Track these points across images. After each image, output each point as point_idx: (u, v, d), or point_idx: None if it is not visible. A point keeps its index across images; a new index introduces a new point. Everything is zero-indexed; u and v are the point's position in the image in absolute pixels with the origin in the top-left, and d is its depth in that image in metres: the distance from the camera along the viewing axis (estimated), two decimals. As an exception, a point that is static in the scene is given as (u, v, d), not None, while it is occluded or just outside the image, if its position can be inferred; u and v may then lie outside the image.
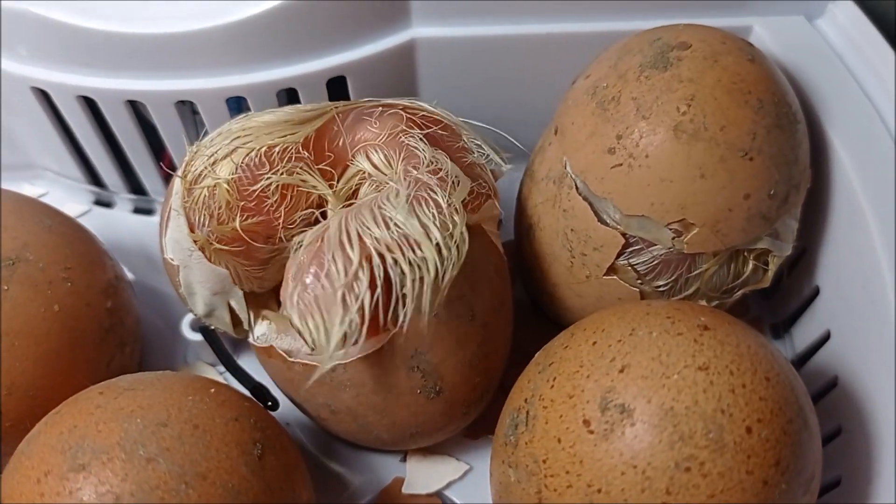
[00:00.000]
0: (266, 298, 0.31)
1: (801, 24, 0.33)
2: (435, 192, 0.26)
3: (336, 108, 0.29)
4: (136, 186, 0.41)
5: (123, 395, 0.25)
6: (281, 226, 0.28)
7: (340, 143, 0.29)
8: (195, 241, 0.28)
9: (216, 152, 0.28)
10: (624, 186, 0.27)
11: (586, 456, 0.22)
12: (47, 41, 0.34)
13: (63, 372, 0.29)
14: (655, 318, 0.24)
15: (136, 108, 0.36)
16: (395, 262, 0.25)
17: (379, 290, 0.25)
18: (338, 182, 0.29)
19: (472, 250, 0.27)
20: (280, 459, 0.26)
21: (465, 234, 0.26)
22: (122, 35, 0.33)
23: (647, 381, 0.22)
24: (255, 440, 0.26)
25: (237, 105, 0.35)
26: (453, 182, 0.27)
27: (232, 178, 0.27)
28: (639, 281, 0.29)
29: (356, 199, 0.29)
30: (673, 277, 0.29)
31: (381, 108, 0.29)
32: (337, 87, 0.35)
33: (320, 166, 0.28)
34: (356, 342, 0.25)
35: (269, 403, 0.32)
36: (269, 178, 0.28)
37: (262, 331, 0.30)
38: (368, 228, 0.25)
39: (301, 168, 0.28)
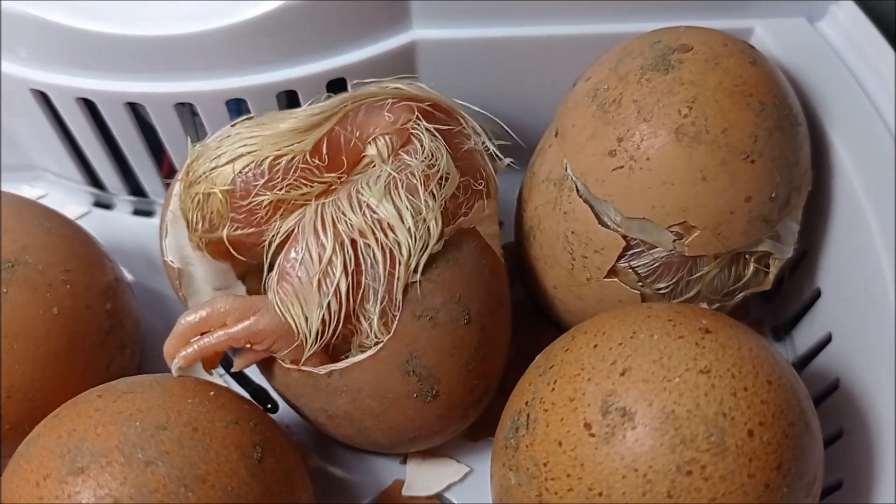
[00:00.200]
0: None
1: (802, 26, 0.33)
2: (414, 177, 0.27)
3: (345, 105, 0.28)
4: (135, 188, 0.41)
5: (122, 398, 0.25)
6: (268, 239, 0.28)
7: (353, 144, 0.28)
8: (191, 242, 0.28)
9: (219, 157, 0.28)
10: (625, 189, 0.27)
11: (587, 459, 0.22)
12: (47, 43, 0.34)
13: (62, 374, 0.29)
14: (657, 320, 0.24)
15: (135, 110, 0.36)
16: (368, 246, 0.26)
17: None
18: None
19: (466, 253, 0.28)
20: (280, 462, 0.26)
21: (439, 219, 0.27)
22: (121, 37, 0.33)
23: (648, 384, 0.22)
24: (255, 443, 0.26)
25: (237, 107, 0.35)
26: (443, 176, 0.27)
27: (226, 189, 0.27)
28: (640, 283, 0.29)
29: None
30: (674, 280, 0.29)
31: (390, 102, 0.28)
32: (337, 88, 0.35)
33: (332, 175, 0.28)
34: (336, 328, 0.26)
35: (269, 406, 0.32)
36: (263, 195, 0.27)
37: None
38: (344, 214, 0.26)
39: (305, 180, 0.27)
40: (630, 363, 0.23)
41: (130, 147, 0.38)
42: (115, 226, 0.41)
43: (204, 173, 0.28)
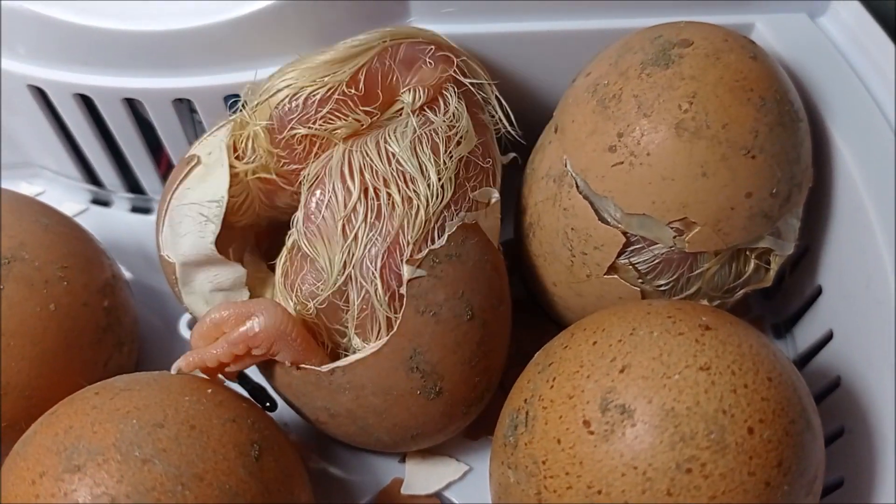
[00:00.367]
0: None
1: (803, 22, 0.33)
2: (437, 135, 0.28)
3: (384, 41, 0.29)
4: (133, 185, 0.41)
5: (119, 396, 0.25)
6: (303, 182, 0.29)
7: (389, 81, 0.29)
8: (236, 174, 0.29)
9: (262, 94, 0.28)
10: (625, 185, 0.27)
11: (586, 457, 0.22)
12: (44, 39, 0.34)
13: (59, 372, 0.29)
14: (656, 317, 0.24)
15: (133, 107, 0.36)
16: (389, 196, 0.27)
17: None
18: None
19: (469, 248, 0.27)
20: (278, 461, 0.26)
21: (452, 181, 0.28)
22: (119, 32, 0.33)
23: (647, 381, 0.22)
24: (253, 441, 0.25)
25: (236, 103, 0.35)
26: (461, 137, 0.28)
27: (268, 125, 0.28)
28: (640, 280, 0.29)
29: None
30: (674, 276, 0.29)
31: (432, 48, 0.29)
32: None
33: (367, 108, 0.28)
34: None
35: (268, 404, 0.32)
36: (297, 129, 0.28)
37: None
38: (371, 161, 0.27)
39: (340, 113, 0.28)
40: (629, 360, 0.23)
41: (128, 144, 0.38)
42: (112, 223, 0.41)
43: (251, 111, 0.28)
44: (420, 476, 0.32)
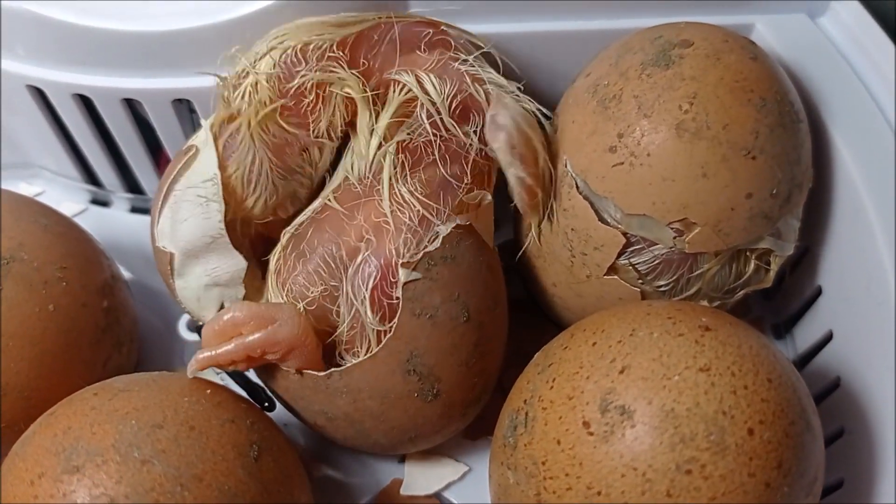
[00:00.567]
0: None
1: (803, 22, 0.33)
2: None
3: (379, 17, 0.29)
4: (133, 185, 0.41)
5: (118, 397, 0.25)
6: (313, 139, 0.29)
7: (377, 53, 0.29)
8: (234, 121, 0.29)
9: (258, 52, 0.29)
10: (625, 185, 0.27)
11: (586, 458, 0.22)
12: (43, 39, 0.34)
13: (58, 372, 0.29)
14: (656, 318, 0.24)
15: (132, 107, 0.36)
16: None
17: None
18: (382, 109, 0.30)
19: (464, 250, 0.27)
20: (277, 461, 0.26)
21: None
22: (118, 32, 0.32)
23: (647, 382, 0.22)
24: (252, 442, 0.25)
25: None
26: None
27: (272, 73, 0.28)
28: (640, 281, 0.29)
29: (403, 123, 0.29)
30: (674, 277, 0.29)
31: (429, 31, 0.30)
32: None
33: (352, 71, 0.29)
34: None
35: (266, 405, 0.32)
36: (304, 74, 0.28)
37: None
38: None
39: (334, 67, 0.29)
40: (629, 361, 0.23)
41: (127, 144, 0.38)
42: (112, 223, 0.40)
43: (243, 70, 0.29)
44: (419, 477, 0.32)
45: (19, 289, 0.28)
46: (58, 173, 0.42)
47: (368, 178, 0.28)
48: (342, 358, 0.28)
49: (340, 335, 0.28)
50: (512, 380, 0.27)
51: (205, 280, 0.29)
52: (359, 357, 0.27)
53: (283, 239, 0.29)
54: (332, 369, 0.27)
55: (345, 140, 0.30)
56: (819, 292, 0.32)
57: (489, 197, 0.29)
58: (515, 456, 0.24)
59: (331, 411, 0.28)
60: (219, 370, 0.34)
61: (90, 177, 0.41)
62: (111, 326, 0.31)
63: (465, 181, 0.28)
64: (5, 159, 0.41)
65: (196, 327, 0.34)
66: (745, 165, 0.26)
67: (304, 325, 0.27)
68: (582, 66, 0.31)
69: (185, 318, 0.37)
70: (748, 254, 0.29)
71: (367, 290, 0.27)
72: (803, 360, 0.33)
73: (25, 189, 0.42)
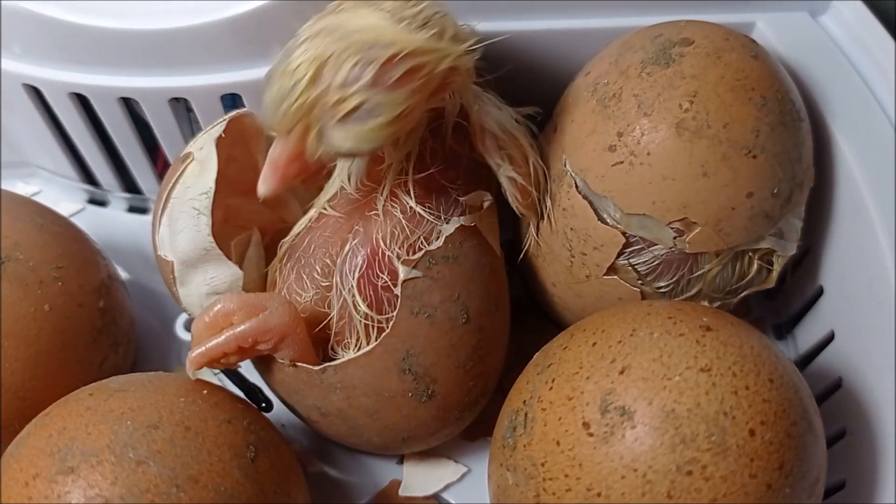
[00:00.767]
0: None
1: (804, 21, 0.33)
2: None
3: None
4: (130, 185, 0.41)
5: (114, 397, 0.25)
6: None
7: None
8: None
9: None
10: (625, 185, 0.27)
11: (586, 459, 0.22)
12: (39, 37, 0.33)
13: (54, 373, 0.29)
14: (656, 318, 0.24)
15: (130, 106, 0.36)
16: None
17: None
18: None
19: (466, 250, 0.27)
20: (274, 462, 0.26)
21: None
22: (115, 31, 0.32)
23: (648, 382, 0.22)
24: (249, 442, 0.25)
25: (232, 102, 0.34)
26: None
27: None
28: (639, 281, 0.29)
29: None
30: (674, 278, 0.28)
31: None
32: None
33: None
34: None
35: (264, 405, 0.31)
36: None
37: None
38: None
39: None
40: (629, 361, 0.23)
41: (125, 143, 0.38)
42: (109, 223, 0.40)
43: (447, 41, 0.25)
44: (418, 477, 0.32)
45: (14, 288, 0.28)
46: (55, 173, 0.41)
47: (367, 184, 0.28)
48: (334, 351, 0.28)
49: (330, 326, 0.28)
50: (512, 380, 0.27)
51: (205, 289, 0.29)
52: (350, 349, 0.27)
53: (280, 251, 0.29)
54: (327, 363, 0.27)
55: None
56: (820, 292, 0.32)
57: (490, 197, 0.29)
58: (514, 457, 0.24)
59: (324, 406, 0.28)
60: (215, 370, 0.34)
61: (87, 176, 0.41)
62: (107, 326, 0.31)
63: (459, 182, 0.28)
64: (2, 158, 0.41)
65: (193, 327, 0.34)
66: (746, 164, 0.26)
67: (294, 313, 0.27)
68: (582, 64, 0.30)
69: (182, 319, 0.36)
70: (751, 254, 0.28)
71: (353, 279, 0.27)
72: (805, 361, 0.33)
73: (22, 189, 0.42)
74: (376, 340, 0.27)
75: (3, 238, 0.29)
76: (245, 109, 0.32)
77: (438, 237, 0.27)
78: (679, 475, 0.21)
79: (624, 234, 0.28)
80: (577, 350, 0.24)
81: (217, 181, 0.28)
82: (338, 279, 0.27)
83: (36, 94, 0.36)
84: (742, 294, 0.29)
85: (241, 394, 0.32)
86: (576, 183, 0.29)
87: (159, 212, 0.30)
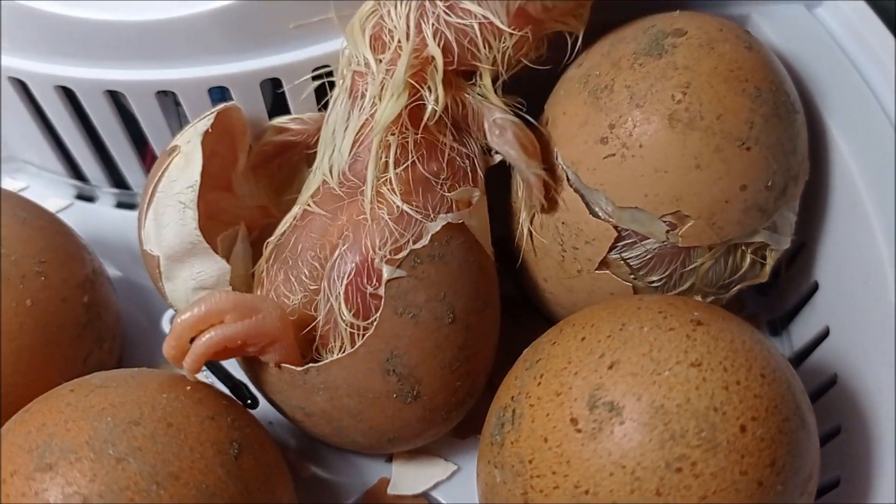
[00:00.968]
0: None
1: (800, 13, 0.33)
2: None
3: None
4: (118, 180, 0.40)
5: (95, 393, 0.24)
6: None
7: None
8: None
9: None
10: (616, 177, 0.27)
11: (573, 456, 0.22)
12: (24, 29, 0.33)
13: (37, 369, 0.28)
14: (647, 312, 0.23)
15: (117, 100, 0.36)
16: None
17: None
18: None
19: (453, 249, 0.27)
20: (258, 459, 0.25)
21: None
22: (101, 22, 0.32)
23: (637, 377, 0.22)
24: (232, 439, 0.25)
25: (220, 95, 0.34)
26: None
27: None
28: (632, 276, 0.28)
29: None
30: (667, 272, 0.28)
31: None
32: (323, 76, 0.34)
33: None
34: None
35: (249, 402, 0.31)
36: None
37: None
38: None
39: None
40: (618, 356, 0.22)
41: (112, 138, 0.37)
42: (97, 219, 0.40)
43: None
44: (407, 476, 0.31)
45: (-5, 283, 0.28)
46: (42, 168, 0.41)
47: (350, 179, 0.27)
48: (319, 354, 0.28)
49: (316, 331, 0.27)
50: (502, 378, 0.27)
51: (191, 283, 0.29)
52: (334, 354, 0.27)
53: (266, 251, 0.29)
54: (310, 365, 0.27)
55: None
56: (815, 288, 0.31)
57: (479, 193, 0.28)
58: (502, 454, 0.24)
59: (308, 407, 0.28)
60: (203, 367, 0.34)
61: (75, 171, 0.41)
62: (92, 322, 0.31)
63: (443, 177, 0.28)
64: (-11, 154, 0.41)
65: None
66: (740, 156, 0.26)
67: (285, 319, 0.26)
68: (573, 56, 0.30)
69: (169, 315, 0.36)
70: (744, 248, 0.28)
71: (341, 285, 0.26)
72: (800, 357, 0.32)
73: (9, 184, 0.41)
74: (353, 342, 0.26)
75: (-15, 232, 0.29)
76: (232, 103, 0.31)
77: (424, 235, 0.26)
78: (668, 472, 0.20)
79: (616, 227, 0.27)
80: (566, 345, 0.24)
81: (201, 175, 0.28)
82: (325, 285, 0.27)
83: (22, 87, 0.36)
84: (735, 288, 0.29)
85: (226, 390, 0.31)
86: (567, 176, 0.28)
87: (145, 206, 0.29)
